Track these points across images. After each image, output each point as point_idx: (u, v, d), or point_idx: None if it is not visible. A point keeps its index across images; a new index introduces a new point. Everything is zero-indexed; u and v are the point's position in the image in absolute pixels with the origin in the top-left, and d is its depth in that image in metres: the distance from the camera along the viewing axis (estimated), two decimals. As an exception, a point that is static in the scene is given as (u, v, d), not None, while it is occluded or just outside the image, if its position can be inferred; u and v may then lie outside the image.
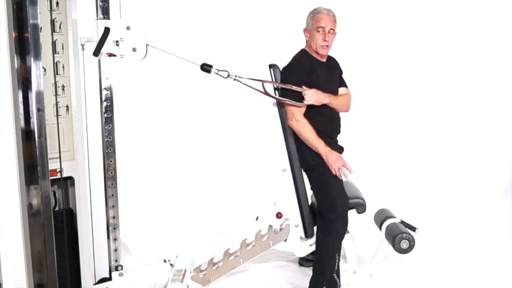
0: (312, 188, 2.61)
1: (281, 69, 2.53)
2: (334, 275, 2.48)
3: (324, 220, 2.47)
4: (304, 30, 2.55)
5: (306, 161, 2.51)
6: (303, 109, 2.43)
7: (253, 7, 4.31)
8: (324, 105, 2.46)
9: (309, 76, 2.45)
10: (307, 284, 2.53)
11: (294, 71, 2.47)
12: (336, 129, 2.59)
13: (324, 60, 2.56)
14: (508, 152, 4.73)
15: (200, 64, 2.35)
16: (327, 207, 2.45)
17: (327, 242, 2.47)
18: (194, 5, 4.22)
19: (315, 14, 2.50)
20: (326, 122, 2.50)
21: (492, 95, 4.73)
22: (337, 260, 2.49)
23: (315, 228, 2.58)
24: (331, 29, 2.48)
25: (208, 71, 2.35)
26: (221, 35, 4.23)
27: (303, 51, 2.58)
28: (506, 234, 3.42)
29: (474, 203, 4.11)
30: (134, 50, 2.27)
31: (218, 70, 2.35)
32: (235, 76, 2.35)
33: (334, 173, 2.40)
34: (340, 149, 2.59)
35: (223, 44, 4.24)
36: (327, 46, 2.50)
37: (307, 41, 2.56)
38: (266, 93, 2.40)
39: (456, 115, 4.72)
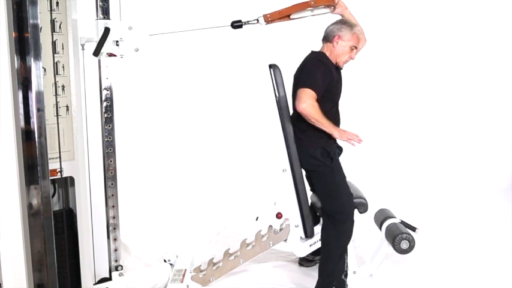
0: (316, 189, 2.61)
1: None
2: (343, 275, 2.49)
3: (333, 221, 2.45)
4: (338, 37, 2.47)
5: (308, 162, 2.50)
6: (315, 96, 2.37)
7: (253, 6, 4.31)
8: (328, 106, 2.45)
9: (330, 76, 2.44)
10: (308, 284, 2.53)
11: (321, 67, 2.43)
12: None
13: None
14: (508, 152, 4.73)
15: (230, 23, 2.35)
16: (336, 208, 2.44)
17: (337, 243, 2.46)
18: (194, 4, 4.22)
19: (355, 32, 2.47)
20: (330, 118, 2.47)
21: (492, 95, 4.73)
22: (345, 261, 2.49)
23: (315, 228, 2.58)
24: None
25: (241, 26, 2.36)
26: (221, 35, 4.23)
27: (322, 53, 2.52)
28: (506, 234, 3.42)
29: (474, 203, 4.11)
30: (136, 50, 2.28)
31: (248, 21, 2.36)
32: (267, 18, 2.35)
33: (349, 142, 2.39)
34: (339, 149, 2.59)
35: (223, 44, 4.24)
36: None
37: (332, 47, 2.49)
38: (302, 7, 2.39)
39: (456, 115, 4.72)
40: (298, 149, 2.50)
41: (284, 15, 2.40)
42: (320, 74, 2.38)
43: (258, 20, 2.36)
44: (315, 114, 2.34)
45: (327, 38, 2.52)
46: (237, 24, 2.35)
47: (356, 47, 2.51)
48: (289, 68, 2.57)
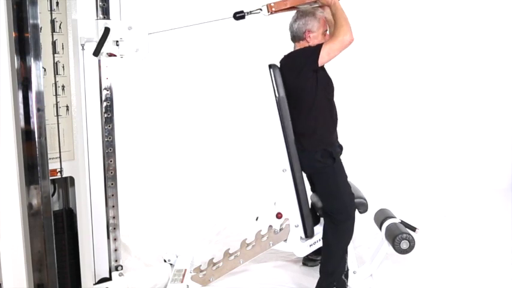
0: (317, 189, 2.60)
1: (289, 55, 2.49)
2: (343, 276, 2.49)
3: (334, 221, 2.45)
4: (308, 31, 2.43)
5: (310, 166, 2.49)
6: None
7: (253, 6, 4.31)
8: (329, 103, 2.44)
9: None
10: (308, 284, 2.52)
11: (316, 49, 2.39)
12: (335, 125, 2.59)
13: None
14: (508, 152, 4.73)
15: (232, 14, 2.35)
16: (337, 208, 2.44)
17: (338, 244, 2.46)
18: (194, 4, 4.23)
19: (320, 17, 2.44)
20: (329, 118, 2.48)
21: (492, 95, 4.72)
22: (346, 261, 2.49)
23: (315, 228, 2.58)
24: None
25: (244, 17, 2.34)
26: (221, 35, 4.24)
27: None
28: (506, 234, 3.42)
29: (474, 203, 4.11)
30: (136, 50, 2.28)
31: (251, 11, 2.34)
32: (270, 8, 2.33)
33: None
34: (339, 148, 2.59)
35: (222, 44, 4.24)
36: None
37: (306, 43, 2.45)
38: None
39: (456, 115, 4.72)
40: (299, 154, 2.48)
41: (289, 6, 2.35)
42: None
43: (261, 9, 2.33)
44: (343, 30, 2.29)
45: (298, 37, 2.46)
46: (239, 15, 2.33)
47: (327, 30, 2.46)
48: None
